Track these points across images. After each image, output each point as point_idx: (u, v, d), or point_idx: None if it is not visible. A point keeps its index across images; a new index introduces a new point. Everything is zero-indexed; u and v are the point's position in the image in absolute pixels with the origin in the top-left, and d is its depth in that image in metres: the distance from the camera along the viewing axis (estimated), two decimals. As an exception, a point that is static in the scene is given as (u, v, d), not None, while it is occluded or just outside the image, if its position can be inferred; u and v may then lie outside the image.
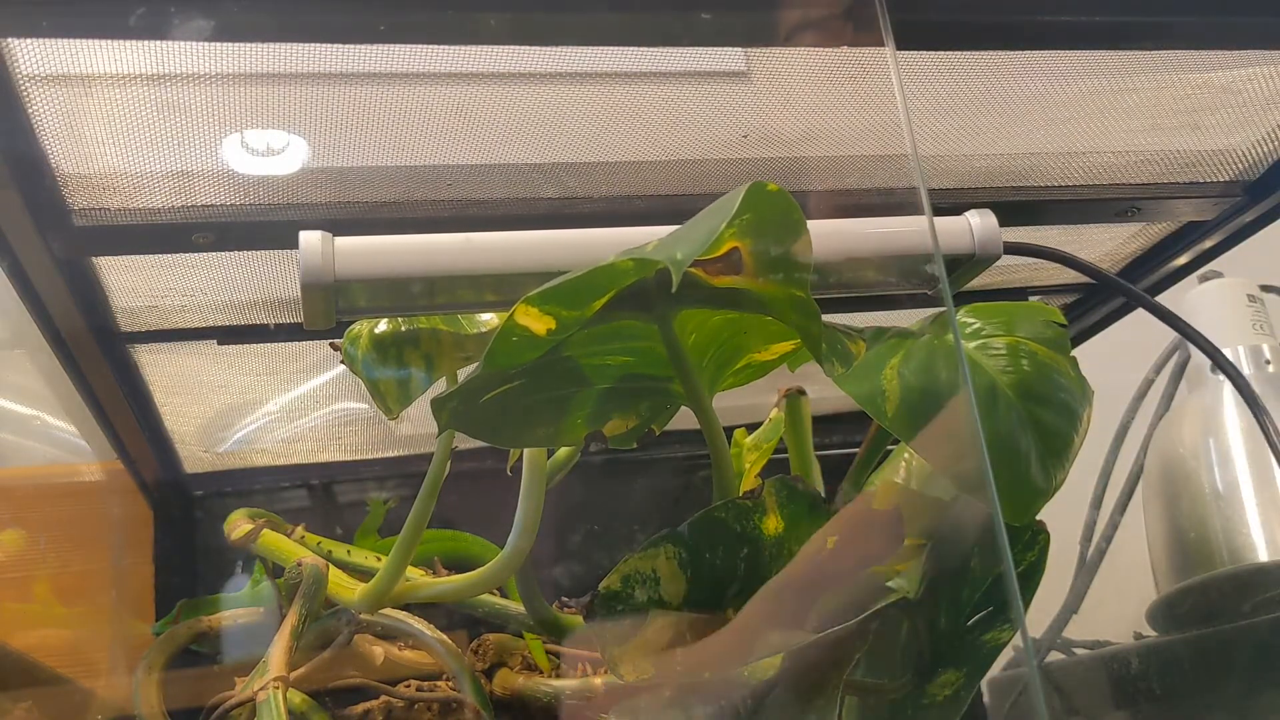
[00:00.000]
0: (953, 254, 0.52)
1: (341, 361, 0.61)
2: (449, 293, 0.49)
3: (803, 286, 0.46)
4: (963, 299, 0.74)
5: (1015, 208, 0.65)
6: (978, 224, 0.53)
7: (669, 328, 0.51)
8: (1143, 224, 0.71)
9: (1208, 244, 0.73)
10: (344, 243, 0.48)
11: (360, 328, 0.60)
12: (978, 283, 0.75)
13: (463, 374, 0.61)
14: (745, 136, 0.60)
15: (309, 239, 0.47)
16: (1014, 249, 0.54)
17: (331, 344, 0.63)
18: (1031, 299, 0.78)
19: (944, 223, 0.53)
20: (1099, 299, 0.79)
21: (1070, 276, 0.76)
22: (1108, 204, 0.66)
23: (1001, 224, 0.53)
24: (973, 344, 0.54)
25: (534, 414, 0.53)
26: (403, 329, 0.60)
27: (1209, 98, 0.61)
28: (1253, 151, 0.65)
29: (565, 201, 0.62)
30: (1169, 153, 0.64)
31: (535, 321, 0.45)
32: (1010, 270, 0.75)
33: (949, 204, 0.61)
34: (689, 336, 0.52)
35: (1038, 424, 0.51)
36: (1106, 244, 0.75)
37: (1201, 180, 0.66)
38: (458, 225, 0.60)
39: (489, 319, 0.60)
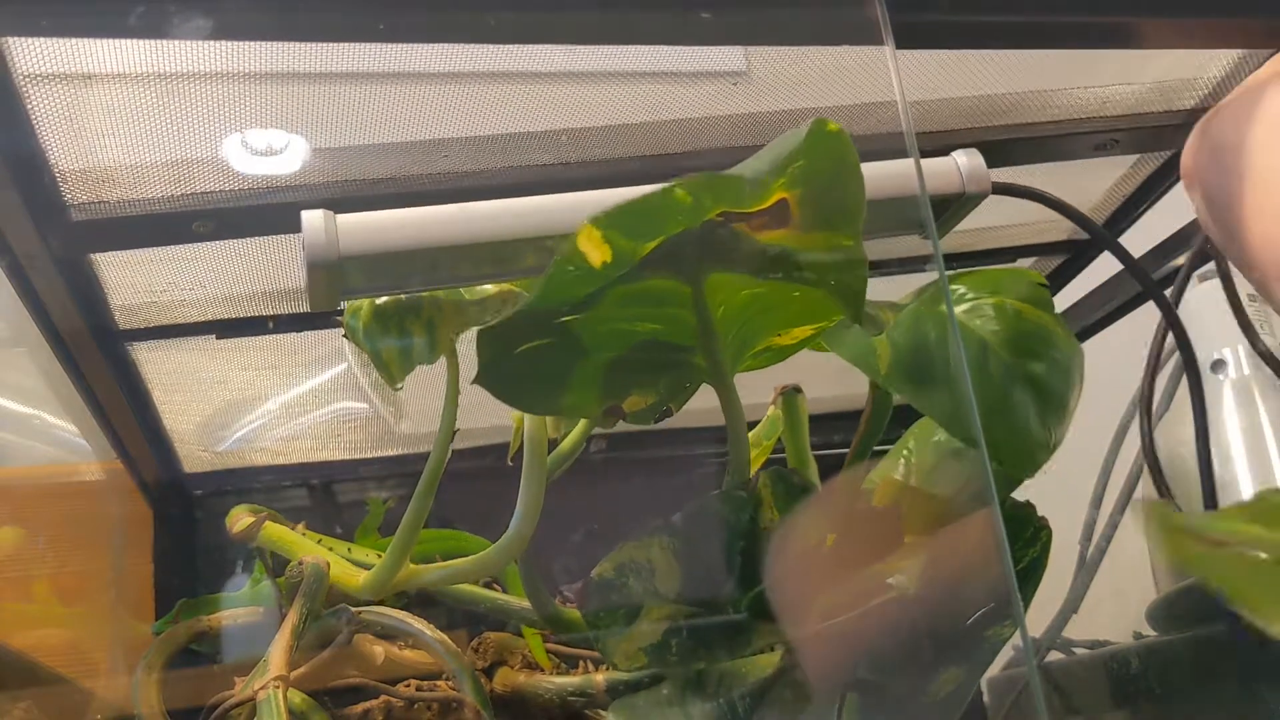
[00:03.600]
0: (942, 193, 0.53)
1: (344, 335, 0.61)
2: (453, 265, 0.49)
3: (853, 235, 0.46)
4: (952, 262, 0.74)
5: (992, 148, 0.64)
6: (964, 163, 0.53)
7: (700, 291, 0.51)
8: (1132, 159, 0.70)
9: (1208, 244, 0.73)
10: (347, 219, 0.48)
11: (361, 300, 0.60)
12: (966, 244, 0.75)
13: (462, 341, 0.62)
14: (735, 84, 0.60)
15: (311, 217, 0.47)
16: (1000, 189, 0.55)
17: (336, 317, 0.63)
18: (1020, 262, 0.78)
19: (931, 163, 0.53)
20: (1089, 257, 0.79)
21: (1058, 234, 0.76)
22: (1085, 138, 0.65)
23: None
24: (961, 308, 0.55)
25: (560, 379, 0.53)
26: (403, 298, 0.60)
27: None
28: (1220, 75, 0.64)
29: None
30: (1142, 84, 0.64)
31: (594, 249, 0.45)
32: (1000, 230, 0.75)
33: (930, 146, 0.61)
34: (717, 309, 0.52)
35: (1031, 378, 0.52)
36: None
37: (1177, 109, 0.66)
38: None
39: (488, 287, 0.61)
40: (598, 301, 0.49)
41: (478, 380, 0.50)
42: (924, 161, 0.52)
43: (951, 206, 0.54)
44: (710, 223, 0.44)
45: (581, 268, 0.46)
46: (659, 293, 0.50)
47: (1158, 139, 0.67)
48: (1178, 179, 0.69)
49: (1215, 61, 0.63)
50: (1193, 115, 0.65)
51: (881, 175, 0.52)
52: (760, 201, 0.45)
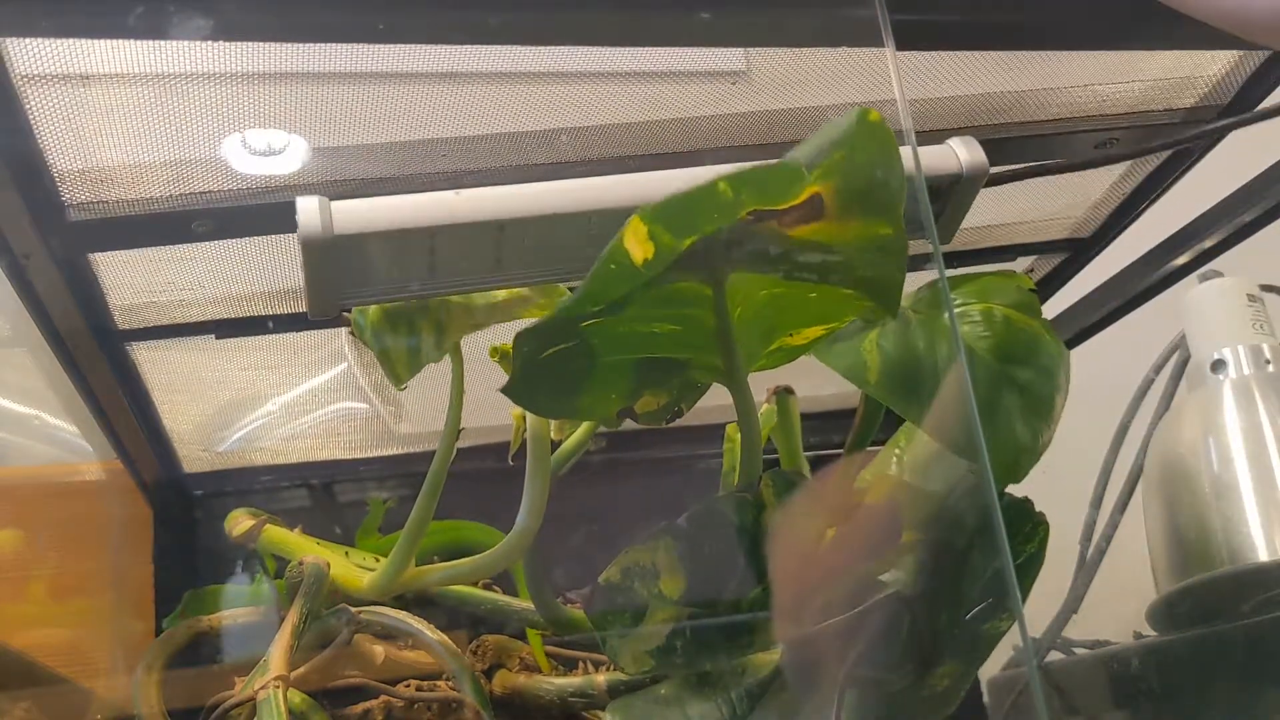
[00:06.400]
0: (939, 174, 0.52)
1: (350, 332, 0.61)
2: (448, 249, 0.49)
3: (893, 222, 0.45)
4: (952, 261, 0.74)
5: (992, 146, 0.65)
6: (960, 148, 0.53)
7: (721, 292, 0.51)
8: (1127, 164, 0.70)
9: (1208, 244, 0.73)
10: (341, 203, 0.48)
11: (370, 299, 0.60)
12: (966, 242, 0.75)
13: (468, 340, 0.62)
14: (734, 83, 0.60)
15: (306, 201, 0.48)
16: (998, 178, 0.54)
17: (343, 314, 0.63)
18: (1020, 260, 0.78)
19: (928, 150, 0.53)
20: (1089, 255, 0.79)
21: (1057, 231, 0.76)
22: (1086, 136, 0.65)
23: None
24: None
25: (577, 382, 0.53)
26: (412, 297, 0.60)
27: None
28: (1220, 73, 0.64)
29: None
30: (1142, 82, 0.64)
31: (639, 245, 0.44)
32: (999, 229, 0.75)
33: (930, 144, 0.61)
34: (735, 310, 0.52)
35: (1017, 383, 0.53)
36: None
37: (1175, 107, 0.66)
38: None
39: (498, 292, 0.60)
40: (623, 306, 0.49)
41: (506, 389, 0.50)
42: (921, 149, 0.51)
43: (950, 194, 0.53)
44: (740, 222, 0.44)
45: (623, 265, 0.45)
46: (681, 295, 0.50)
47: (1158, 137, 0.67)
48: (1178, 177, 0.69)
49: (1215, 60, 0.63)
50: (1192, 113, 0.65)
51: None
52: (794, 197, 0.44)
